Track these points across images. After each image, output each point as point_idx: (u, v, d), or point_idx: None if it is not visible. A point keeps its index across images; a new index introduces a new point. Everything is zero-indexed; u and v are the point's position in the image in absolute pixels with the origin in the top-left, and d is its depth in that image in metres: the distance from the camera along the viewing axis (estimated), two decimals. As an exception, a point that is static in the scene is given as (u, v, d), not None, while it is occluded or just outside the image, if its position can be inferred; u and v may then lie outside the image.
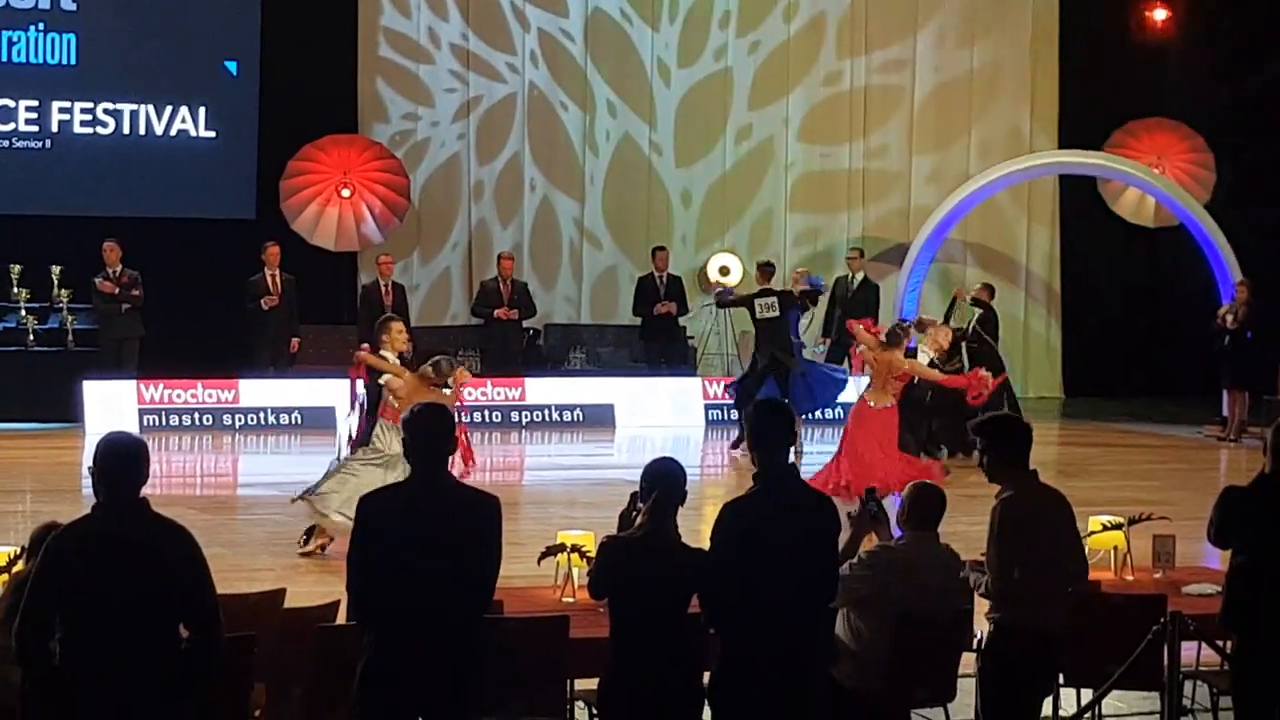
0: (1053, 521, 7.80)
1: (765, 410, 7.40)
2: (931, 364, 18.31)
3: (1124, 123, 26.87)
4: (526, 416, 22.52)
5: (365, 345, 14.26)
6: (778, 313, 19.56)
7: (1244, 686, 7.86)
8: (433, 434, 6.88)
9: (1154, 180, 25.53)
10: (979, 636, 8.83)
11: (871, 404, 16.08)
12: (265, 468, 19.74)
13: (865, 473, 15.59)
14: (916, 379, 16.91)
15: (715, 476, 17.21)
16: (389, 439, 13.41)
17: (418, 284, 24.99)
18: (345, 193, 23.42)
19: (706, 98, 26.58)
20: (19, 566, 7.62)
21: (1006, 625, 7.73)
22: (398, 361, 13.80)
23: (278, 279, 21.85)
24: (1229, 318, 22.71)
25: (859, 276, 23.81)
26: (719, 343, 25.43)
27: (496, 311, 22.92)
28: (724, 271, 25.55)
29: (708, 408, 22.88)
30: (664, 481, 7.30)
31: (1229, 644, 8.14)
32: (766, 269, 20.58)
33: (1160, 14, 27.78)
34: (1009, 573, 7.67)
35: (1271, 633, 7.73)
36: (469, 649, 6.76)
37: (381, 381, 13.61)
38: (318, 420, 20.60)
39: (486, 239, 25.51)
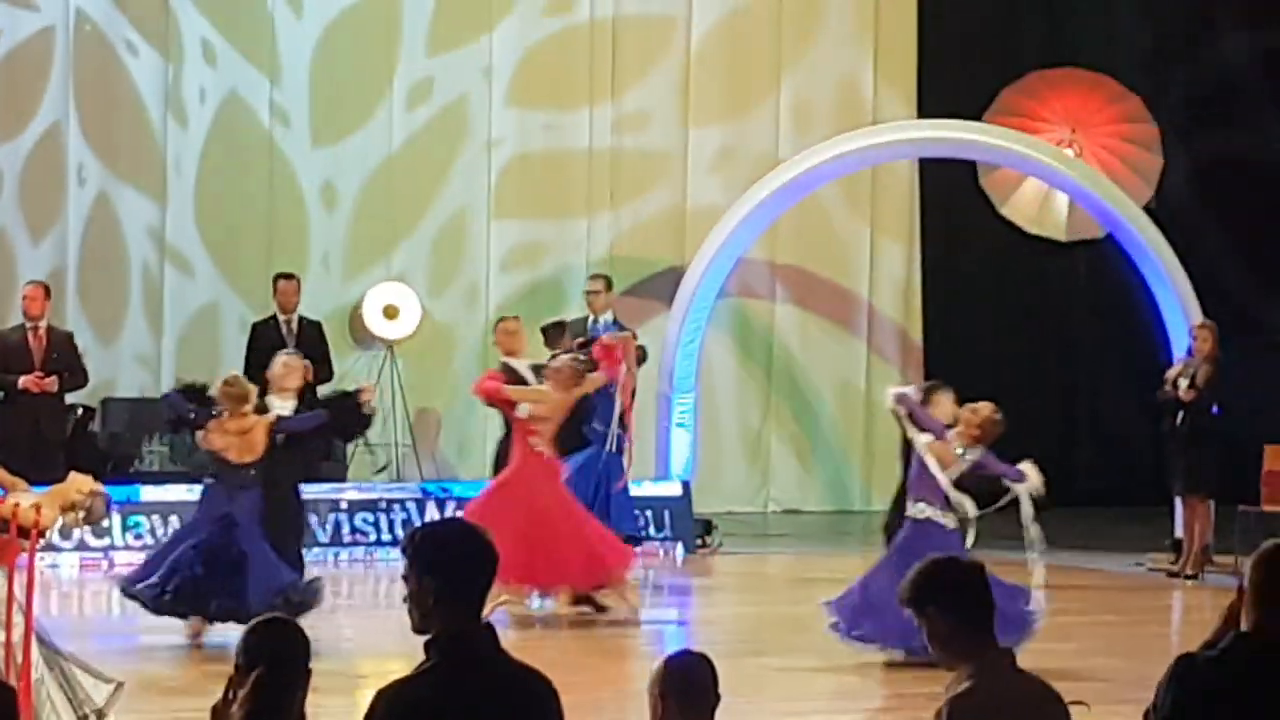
0: None
1: (453, 552, 7.35)
2: None
3: (1018, 77, 26.39)
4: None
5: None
6: None
7: None
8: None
9: (1066, 167, 24.93)
10: None
11: None
12: None
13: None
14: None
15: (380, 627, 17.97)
16: None
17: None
18: None
19: (360, 36, 26.55)
20: None
21: None
22: None
23: None
24: (1182, 382, 22.37)
25: (604, 319, 23.54)
26: (383, 427, 24.73)
27: (22, 380, 22.52)
28: (390, 314, 25.79)
29: (354, 529, 23.12)
30: (275, 656, 7.45)
31: None
32: (554, 331, 22.35)
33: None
34: None
35: None
36: None
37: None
38: None
39: (8, 260, 25.16)
